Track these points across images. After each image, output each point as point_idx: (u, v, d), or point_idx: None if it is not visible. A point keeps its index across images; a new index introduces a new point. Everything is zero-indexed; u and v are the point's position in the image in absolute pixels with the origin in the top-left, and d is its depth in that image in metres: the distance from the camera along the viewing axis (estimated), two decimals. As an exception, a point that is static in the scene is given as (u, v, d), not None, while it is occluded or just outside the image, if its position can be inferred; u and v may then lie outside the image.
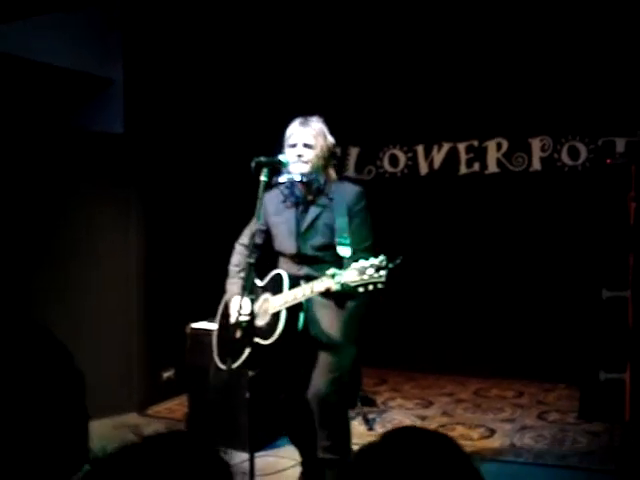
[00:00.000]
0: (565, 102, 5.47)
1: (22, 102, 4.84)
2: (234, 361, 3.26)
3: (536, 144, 5.67)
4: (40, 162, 4.73)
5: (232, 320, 3.32)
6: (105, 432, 4.56)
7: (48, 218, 4.76)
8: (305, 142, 3.30)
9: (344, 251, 3.17)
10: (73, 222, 4.87)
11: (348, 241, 3.18)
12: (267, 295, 3.33)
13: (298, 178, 3.30)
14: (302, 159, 3.29)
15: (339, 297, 3.19)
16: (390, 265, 2.86)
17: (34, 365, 1.08)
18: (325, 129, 3.39)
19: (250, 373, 3.11)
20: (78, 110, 5.25)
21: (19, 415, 1.03)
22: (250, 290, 3.09)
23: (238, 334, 3.22)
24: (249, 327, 3.13)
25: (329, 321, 3.30)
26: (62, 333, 4.71)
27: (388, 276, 2.86)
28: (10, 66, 4.56)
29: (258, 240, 3.53)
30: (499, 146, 5.80)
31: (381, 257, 2.88)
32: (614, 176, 4.64)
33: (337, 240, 3.21)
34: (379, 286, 2.87)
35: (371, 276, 2.85)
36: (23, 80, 4.82)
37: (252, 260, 3.13)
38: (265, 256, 3.57)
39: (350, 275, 2.89)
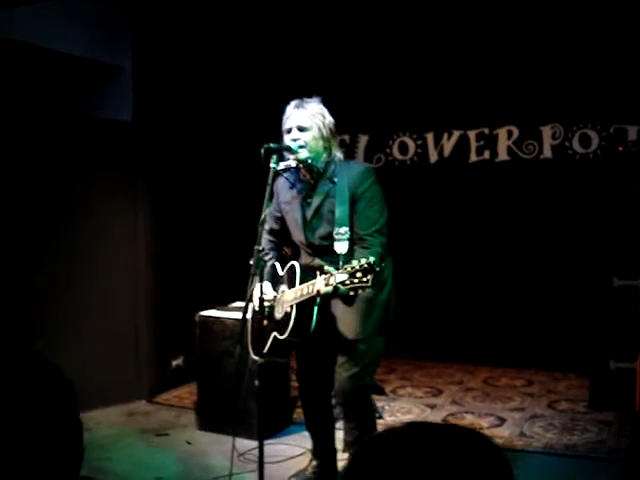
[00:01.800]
0: (576, 89, 5.42)
1: (30, 89, 4.84)
2: (261, 350, 3.13)
3: (547, 132, 5.62)
4: (48, 150, 4.72)
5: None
6: (115, 419, 4.59)
7: (56, 206, 4.75)
8: (299, 125, 3.14)
9: (340, 247, 3.03)
10: (81, 210, 4.87)
11: (347, 235, 3.04)
12: (284, 287, 3.22)
13: (294, 164, 3.15)
14: (298, 143, 3.13)
15: (344, 296, 3.01)
16: (377, 268, 2.72)
17: (20, 382, 1.08)
18: (323, 109, 3.21)
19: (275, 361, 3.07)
20: (86, 98, 5.24)
21: (9, 431, 1.02)
22: (261, 277, 3.00)
23: (265, 322, 3.14)
24: (261, 314, 3.04)
25: (344, 317, 3.20)
26: (71, 322, 4.70)
27: (374, 279, 2.72)
28: (18, 53, 4.55)
29: (275, 226, 3.47)
30: (510, 134, 5.76)
31: (372, 258, 2.72)
32: (626, 164, 4.60)
33: (335, 233, 3.06)
34: (367, 290, 2.77)
35: (360, 279, 2.68)
36: (32, 67, 4.81)
37: (259, 247, 2.98)
38: (286, 242, 3.50)
39: (341, 277, 2.72)
